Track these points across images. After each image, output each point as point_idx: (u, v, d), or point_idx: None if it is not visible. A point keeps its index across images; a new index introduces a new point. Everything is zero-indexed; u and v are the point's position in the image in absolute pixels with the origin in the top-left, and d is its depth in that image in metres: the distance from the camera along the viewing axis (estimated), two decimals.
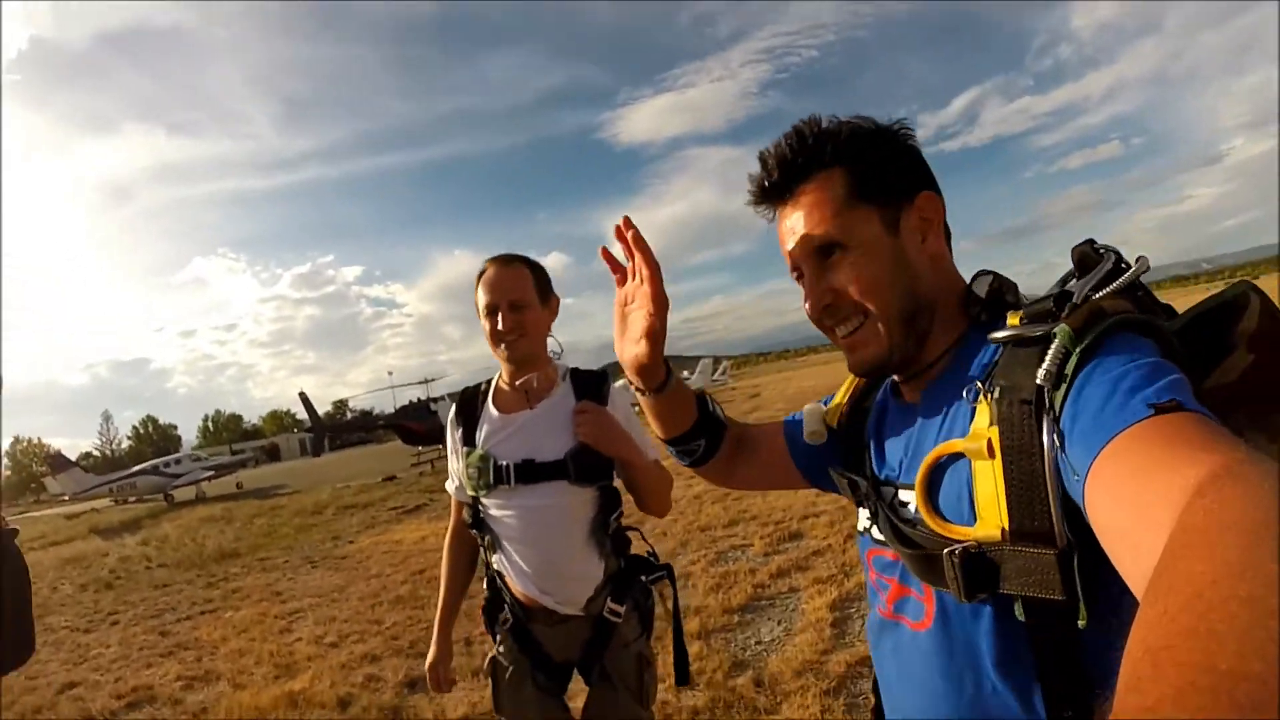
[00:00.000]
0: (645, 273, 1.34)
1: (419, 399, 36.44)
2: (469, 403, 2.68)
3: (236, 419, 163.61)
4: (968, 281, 1.25)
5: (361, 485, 24.53)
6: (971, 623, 1.07)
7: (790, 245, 1.24)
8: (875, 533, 1.27)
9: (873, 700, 1.42)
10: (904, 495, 1.20)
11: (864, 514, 1.33)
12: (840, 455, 1.43)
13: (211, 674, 6.78)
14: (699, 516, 9.75)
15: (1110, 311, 0.98)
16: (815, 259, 1.21)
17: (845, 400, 1.47)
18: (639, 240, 1.34)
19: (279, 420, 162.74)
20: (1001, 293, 1.18)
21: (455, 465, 2.68)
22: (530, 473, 2.47)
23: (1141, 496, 0.73)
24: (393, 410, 38.58)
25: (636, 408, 2.05)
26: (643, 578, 2.67)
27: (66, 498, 39.84)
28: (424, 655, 6.00)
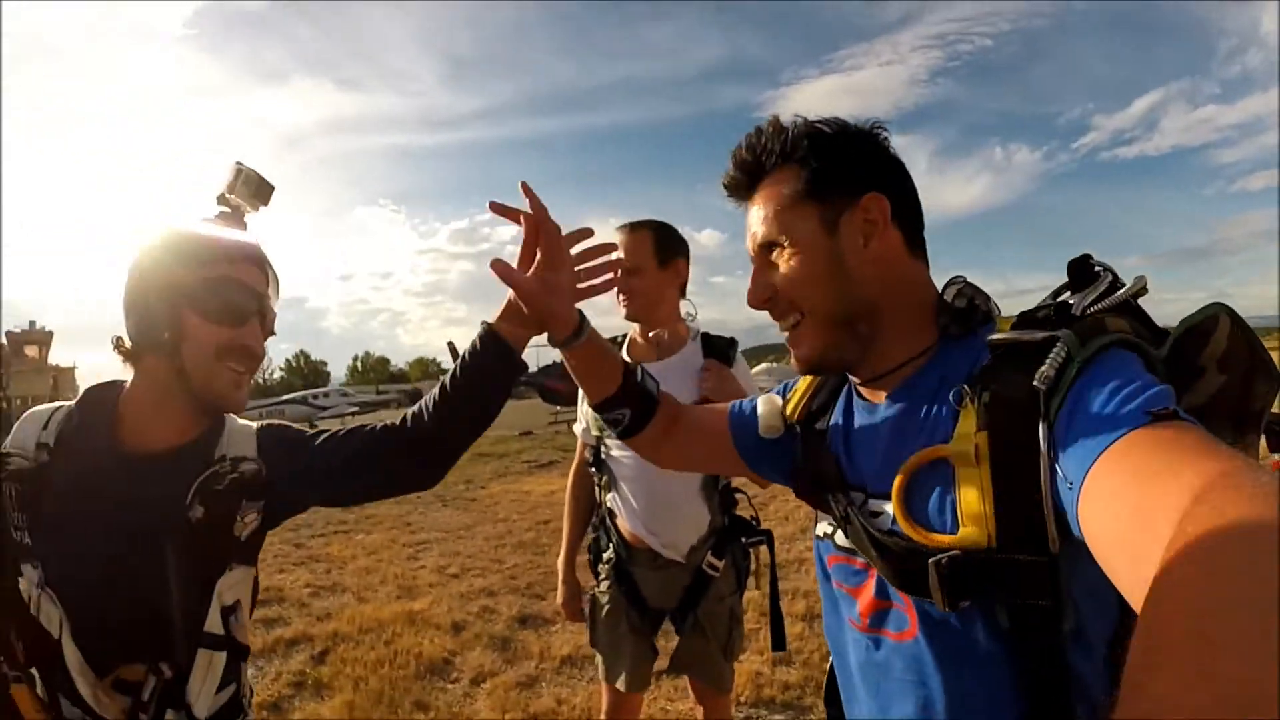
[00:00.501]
0: (524, 225, 1.42)
1: (561, 360, 36.90)
2: None
3: (384, 361, 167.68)
4: (938, 289, 1.23)
5: (498, 436, 24.88)
6: (956, 630, 1.05)
7: (746, 241, 1.27)
8: (839, 539, 1.26)
9: (825, 712, 1.45)
10: (875, 504, 1.17)
11: (826, 519, 1.31)
12: (794, 453, 1.41)
13: (338, 586, 7.10)
14: (785, 504, 9.65)
15: (1110, 329, 0.97)
16: (760, 255, 1.24)
17: (804, 396, 1.43)
18: (528, 193, 1.38)
19: (424, 367, 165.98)
20: (974, 303, 1.16)
21: (584, 408, 2.79)
22: None
23: (1141, 504, 0.73)
24: (535, 369, 39.13)
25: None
26: (743, 539, 2.75)
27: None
28: (539, 596, 6.29)
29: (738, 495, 2.80)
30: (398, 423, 1.56)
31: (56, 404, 1.49)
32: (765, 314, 1.30)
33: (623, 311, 2.69)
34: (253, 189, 1.53)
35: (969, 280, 1.20)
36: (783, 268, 1.20)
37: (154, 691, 1.36)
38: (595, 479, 2.82)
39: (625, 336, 2.84)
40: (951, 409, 1.06)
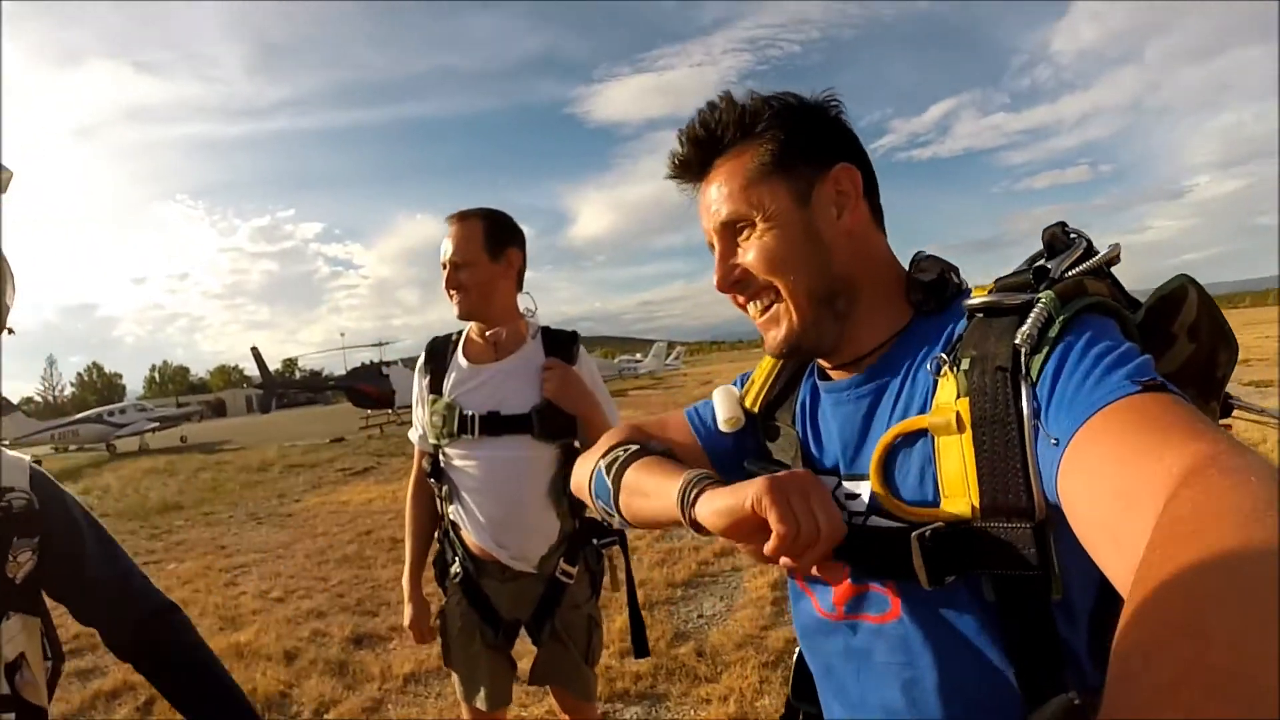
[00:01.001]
0: None
1: (371, 362, 36.12)
2: (438, 352, 2.72)
3: (184, 371, 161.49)
4: (905, 266, 1.21)
5: (309, 445, 24.32)
6: (941, 606, 1.03)
7: (703, 221, 1.22)
8: None
9: (785, 708, 1.43)
10: (851, 486, 1.14)
11: None
12: (757, 443, 1.37)
13: None
14: None
15: (1091, 291, 0.97)
16: (726, 235, 1.18)
17: (764, 383, 1.38)
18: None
19: (226, 375, 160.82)
20: (944, 275, 1.15)
21: (419, 413, 2.71)
22: (495, 424, 2.52)
23: (1124, 484, 0.72)
24: (344, 372, 38.25)
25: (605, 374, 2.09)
26: (594, 541, 2.71)
27: (6, 443, 38.47)
28: (372, 613, 6.15)
29: None
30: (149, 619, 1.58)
31: None
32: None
33: (455, 310, 2.57)
34: None
35: (932, 255, 1.19)
36: (755, 246, 1.14)
37: None
38: (435, 489, 2.70)
39: (460, 335, 2.73)
40: (928, 381, 1.05)
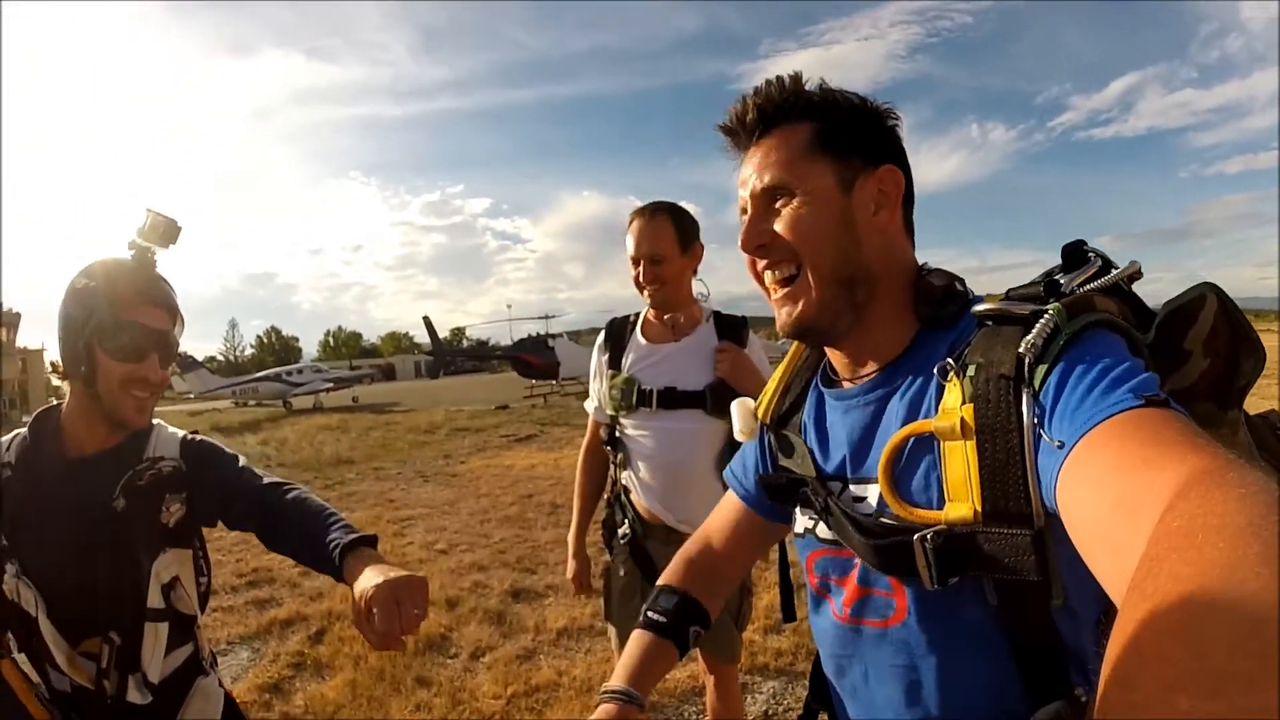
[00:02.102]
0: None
1: (537, 334, 36.75)
2: (617, 331, 2.87)
3: (356, 336, 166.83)
4: (923, 272, 1.21)
5: (474, 411, 24.95)
6: (945, 610, 1.06)
7: (742, 188, 1.23)
8: (820, 532, 1.24)
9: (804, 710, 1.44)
10: (856, 490, 1.17)
11: (804, 515, 1.29)
12: (771, 452, 1.42)
13: None
14: None
15: (1098, 308, 0.97)
16: (763, 200, 1.19)
17: (773, 395, 1.42)
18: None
19: (397, 341, 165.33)
20: (953, 285, 1.15)
21: (598, 386, 2.87)
22: (671, 399, 2.66)
23: (1123, 495, 0.72)
24: (509, 342, 39.00)
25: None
26: None
27: (192, 396, 41.71)
28: (530, 570, 6.37)
29: None
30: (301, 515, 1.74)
31: (14, 433, 1.78)
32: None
33: (648, 300, 2.73)
34: (160, 233, 1.76)
35: (938, 268, 1.20)
36: (789, 215, 1.15)
37: (110, 659, 1.63)
38: (610, 456, 2.87)
39: (638, 316, 2.87)
40: (935, 386, 1.06)
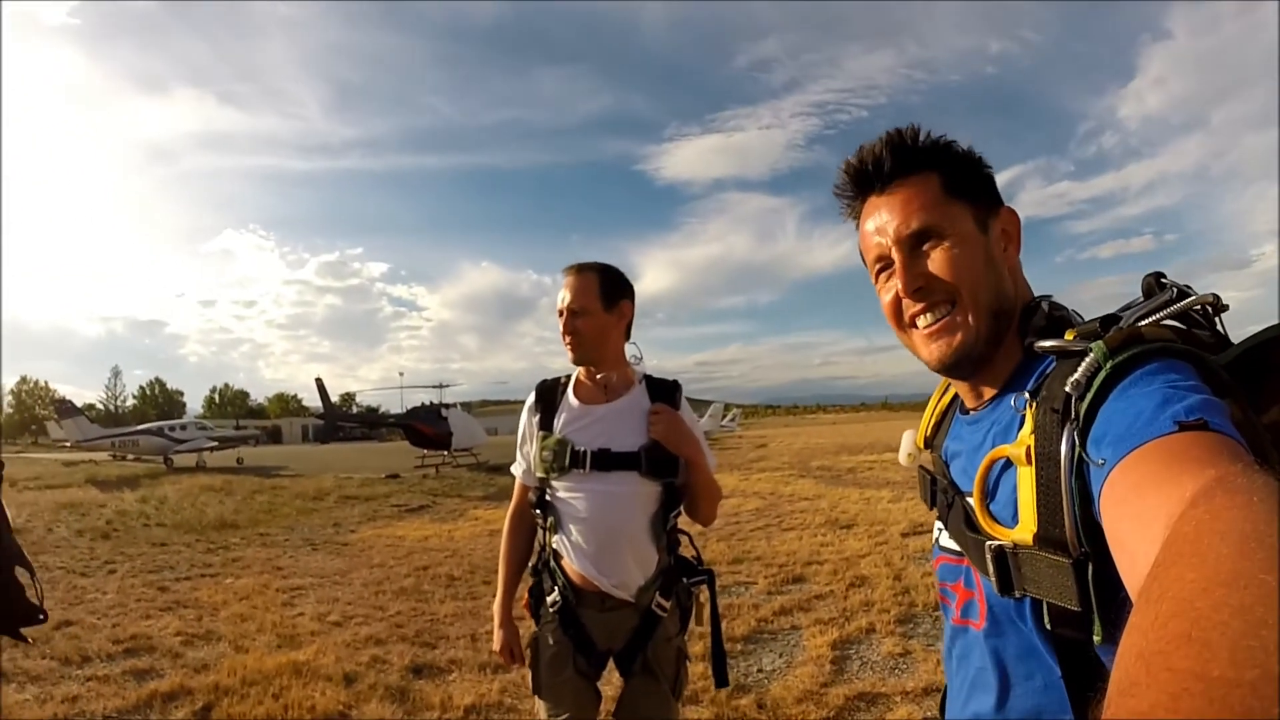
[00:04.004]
0: None
1: (430, 403, 36.34)
2: (548, 392, 2.84)
3: (243, 395, 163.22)
4: (1031, 302, 1.28)
5: (364, 479, 24.45)
6: (1014, 622, 1.13)
7: (878, 237, 1.29)
8: (944, 540, 1.35)
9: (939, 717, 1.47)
10: (969, 502, 1.24)
11: (938, 525, 1.40)
12: (928, 472, 1.49)
13: (212, 634, 6.75)
14: (704, 551, 9.61)
15: (1149, 337, 1.01)
16: (908, 244, 1.25)
17: (930, 419, 1.55)
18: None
19: (285, 403, 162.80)
20: (1060, 322, 1.21)
21: (528, 448, 2.82)
22: (605, 460, 2.63)
23: (1142, 508, 0.76)
24: (400, 410, 38.53)
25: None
26: (685, 579, 2.79)
27: (69, 444, 39.97)
28: (430, 644, 6.13)
29: (681, 535, 2.82)
30: None
31: None
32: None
33: (570, 354, 2.72)
34: None
35: (1049, 297, 1.28)
36: (943, 256, 1.22)
37: None
38: (539, 521, 2.80)
39: (570, 378, 2.84)
40: (1019, 414, 1.13)
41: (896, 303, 1.28)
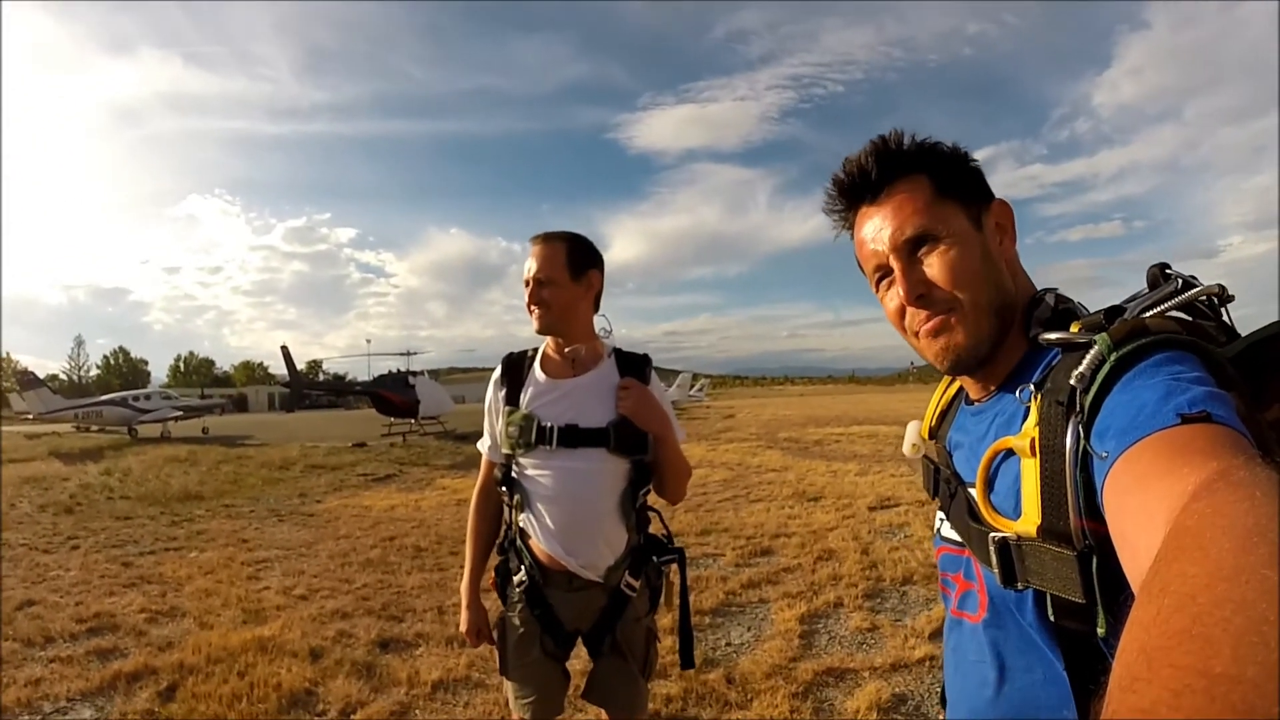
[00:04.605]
0: None
1: (397, 370, 36.16)
2: (515, 365, 2.78)
3: (209, 363, 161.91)
4: (1035, 294, 1.28)
5: (330, 448, 24.32)
6: (1015, 614, 1.13)
7: (875, 244, 1.28)
8: (945, 530, 1.35)
9: (942, 713, 1.44)
10: (971, 493, 1.24)
11: (939, 515, 1.40)
12: (932, 462, 1.49)
13: (176, 610, 6.69)
14: (671, 522, 9.64)
15: (1154, 329, 1.00)
16: (905, 251, 1.24)
17: (934, 410, 1.53)
18: None
19: (250, 371, 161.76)
20: (1066, 314, 1.20)
21: (495, 424, 2.76)
22: (572, 436, 2.58)
23: (1145, 500, 0.76)
24: (368, 378, 38.32)
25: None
26: (654, 558, 2.77)
27: (31, 416, 39.57)
28: (397, 618, 6.10)
29: (650, 513, 2.79)
30: None
31: None
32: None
33: (535, 324, 2.65)
34: None
35: (1054, 290, 1.27)
36: (941, 260, 1.22)
37: None
38: (505, 499, 2.75)
39: (537, 351, 2.79)
40: (1023, 405, 1.13)
41: (901, 310, 1.28)
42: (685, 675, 4.69)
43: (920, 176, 1.25)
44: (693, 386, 62.70)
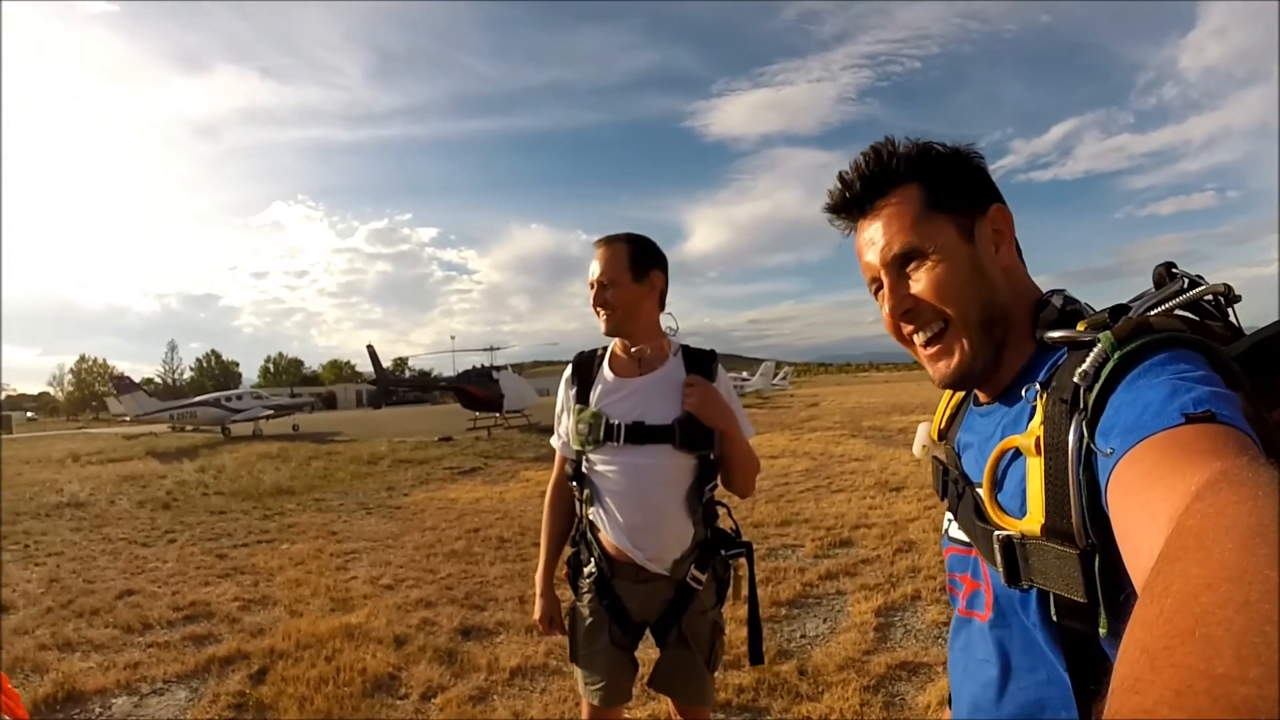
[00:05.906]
0: None
1: (482, 365, 36.52)
2: (585, 365, 2.84)
3: (297, 363, 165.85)
4: (1042, 296, 1.27)
5: (417, 442, 24.66)
6: (1020, 614, 1.13)
7: (869, 256, 1.30)
8: (953, 531, 1.35)
9: (948, 713, 1.46)
10: (979, 493, 1.23)
11: (947, 516, 1.40)
12: (940, 462, 1.49)
13: (268, 599, 6.90)
14: (752, 513, 9.72)
15: (1157, 327, 1.00)
16: (895, 267, 1.26)
17: (943, 412, 1.54)
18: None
19: (338, 369, 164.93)
20: (1073, 315, 1.19)
21: (566, 421, 2.83)
22: (639, 433, 2.62)
23: (1148, 500, 0.75)
24: (452, 374, 38.78)
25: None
26: (722, 551, 2.78)
27: (128, 419, 40.97)
28: (479, 607, 6.21)
29: (719, 507, 2.81)
30: None
31: None
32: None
33: (602, 326, 2.71)
34: None
35: (1060, 290, 1.25)
36: (927, 276, 1.22)
37: None
38: (575, 493, 2.81)
39: (606, 350, 2.84)
40: (1030, 405, 1.13)
41: (895, 322, 1.29)
42: (758, 666, 4.71)
43: (912, 186, 1.25)
44: (777, 375, 62.07)
